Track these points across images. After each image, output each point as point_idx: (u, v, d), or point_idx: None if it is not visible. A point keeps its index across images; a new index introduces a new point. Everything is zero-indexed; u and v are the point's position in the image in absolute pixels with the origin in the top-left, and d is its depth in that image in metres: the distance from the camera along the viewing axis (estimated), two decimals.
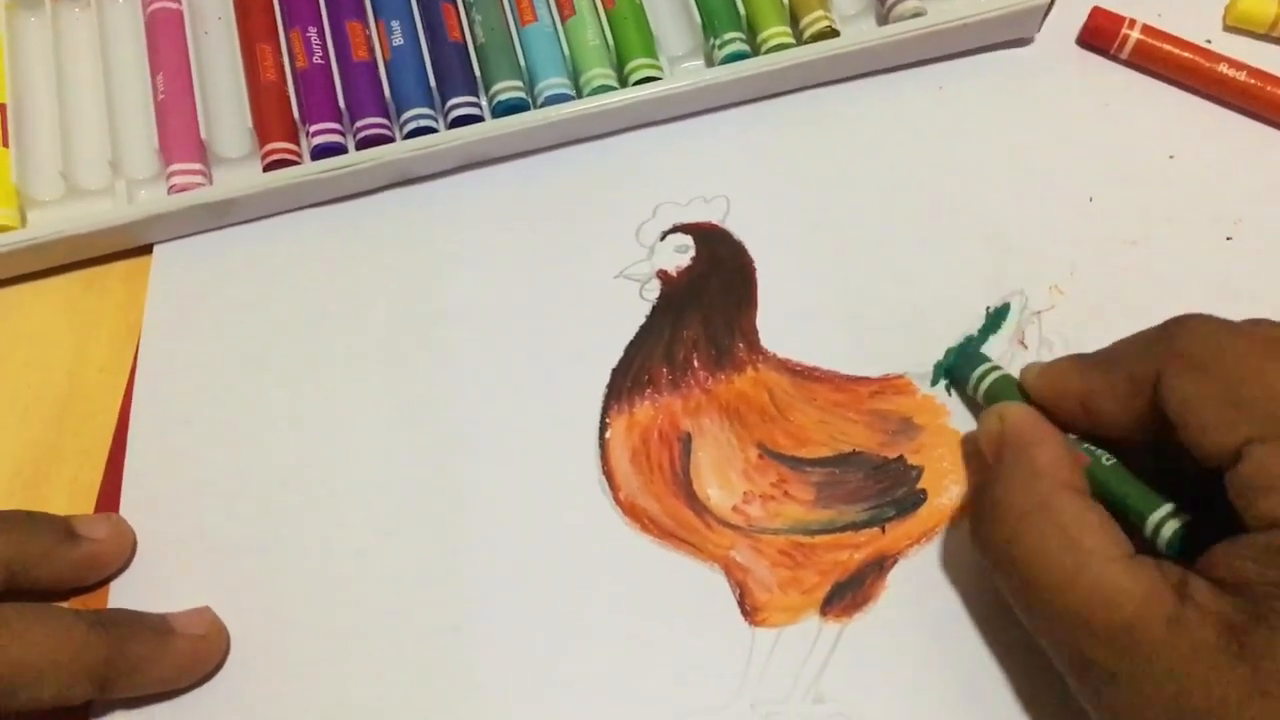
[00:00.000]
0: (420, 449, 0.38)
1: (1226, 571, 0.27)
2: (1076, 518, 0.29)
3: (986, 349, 0.38)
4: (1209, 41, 0.43)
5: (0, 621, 0.30)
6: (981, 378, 0.36)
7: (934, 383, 0.38)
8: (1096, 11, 0.43)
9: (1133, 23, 0.43)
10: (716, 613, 0.35)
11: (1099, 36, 0.43)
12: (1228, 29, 0.44)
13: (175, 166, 0.41)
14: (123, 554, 0.36)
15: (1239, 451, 0.28)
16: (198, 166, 0.41)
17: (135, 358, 0.40)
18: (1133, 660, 0.27)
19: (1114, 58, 0.43)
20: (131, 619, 0.33)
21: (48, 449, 0.38)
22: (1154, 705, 0.27)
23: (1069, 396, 0.33)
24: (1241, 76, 0.42)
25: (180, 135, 0.41)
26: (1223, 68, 0.42)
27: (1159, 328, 0.31)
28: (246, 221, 0.42)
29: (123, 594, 0.36)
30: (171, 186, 0.41)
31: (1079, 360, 0.34)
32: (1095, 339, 0.38)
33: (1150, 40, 0.43)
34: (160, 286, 0.41)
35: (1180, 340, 0.30)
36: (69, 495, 0.38)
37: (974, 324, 0.39)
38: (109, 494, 0.38)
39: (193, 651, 0.34)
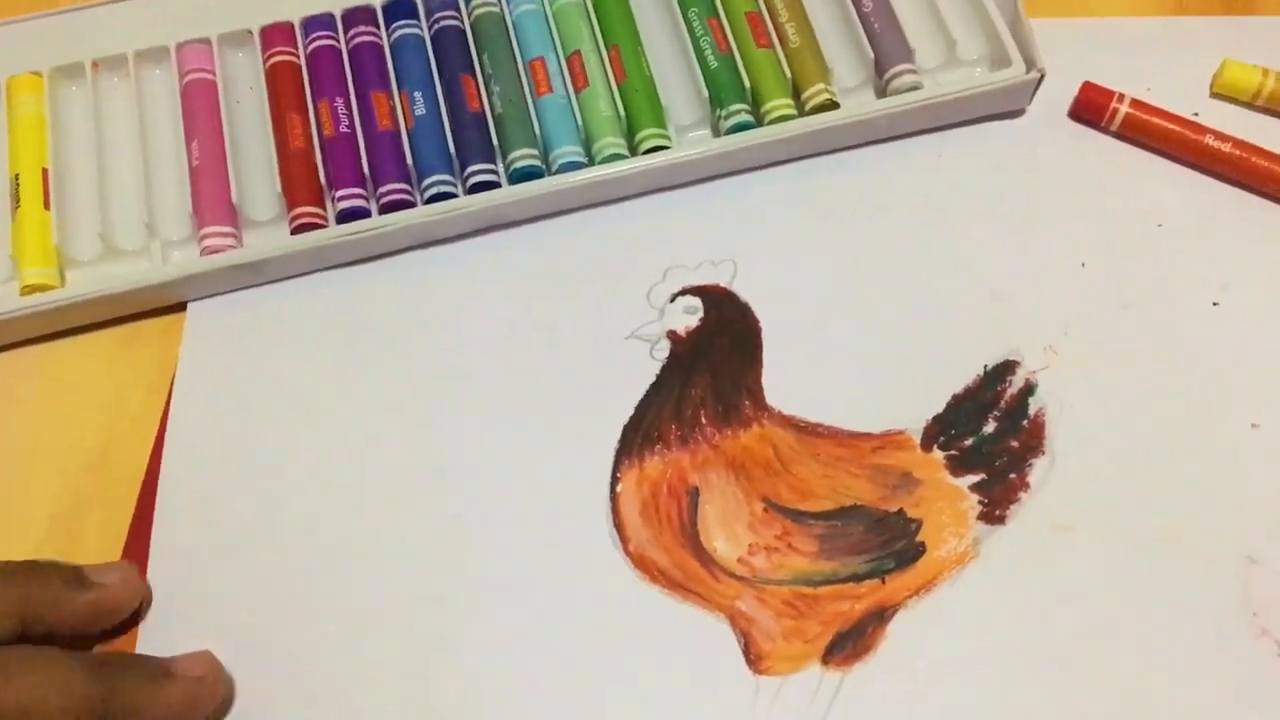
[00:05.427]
0: (439, 499, 0.39)
1: None
2: None
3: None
4: (1196, 114, 0.45)
5: None
6: None
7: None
8: (1087, 86, 0.45)
9: (1122, 97, 0.45)
10: (722, 661, 0.36)
11: (1089, 110, 0.45)
12: (1214, 96, 0.46)
13: (208, 229, 0.43)
14: (134, 599, 0.37)
15: None
16: (229, 229, 0.43)
17: (166, 409, 0.41)
18: None
19: (1104, 130, 0.45)
20: (129, 661, 0.34)
21: (82, 495, 0.40)
22: None
23: None
24: (1227, 148, 0.44)
25: (213, 199, 0.43)
26: (1209, 139, 0.44)
27: None
28: (275, 281, 0.43)
29: (151, 640, 0.37)
30: (204, 248, 0.43)
31: None
32: (1088, 399, 0.40)
33: (1139, 114, 0.44)
34: (193, 342, 0.42)
35: None
36: (100, 538, 0.39)
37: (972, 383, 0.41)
38: (136, 538, 0.39)
39: (190, 694, 0.34)
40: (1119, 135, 0.45)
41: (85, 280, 0.43)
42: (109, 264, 0.43)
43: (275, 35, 0.47)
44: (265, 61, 0.46)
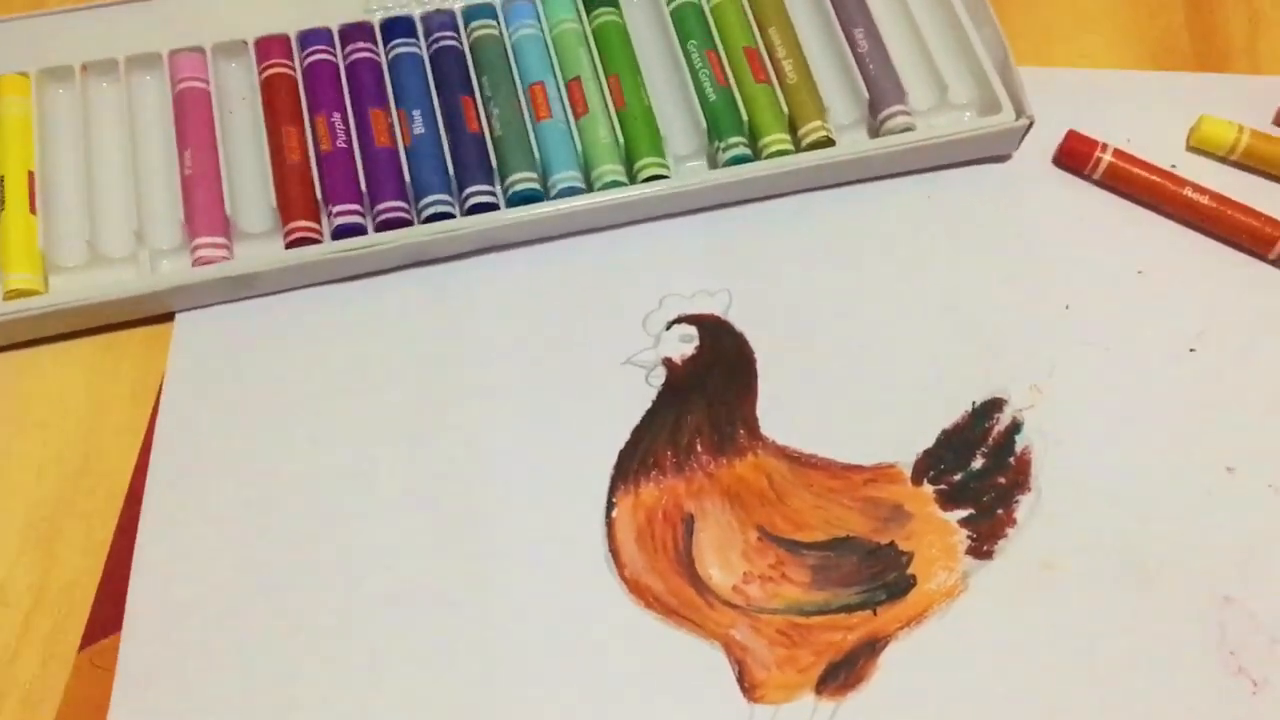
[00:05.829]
0: (430, 520, 0.39)
1: None
2: None
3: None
4: (1174, 165, 0.47)
5: None
6: None
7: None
8: (1071, 135, 0.47)
9: (1105, 146, 0.46)
10: (717, 689, 0.36)
11: (1074, 158, 0.47)
12: (1190, 150, 0.48)
13: (200, 240, 0.42)
14: None
15: None
16: (221, 240, 0.43)
17: (151, 421, 0.40)
18: None
19: (1087, 178, 0.47)
20: None
21: (63, 506, 0.39)
22: None
23: None
24: (1204, 200, 0.45)
25: (205, 209, 0.43)
26: (1187, 191, 0.45)
27: None
28: (267, 294, 0.43)
29: (132, 654, 0.36)
30: (196, 259, 0.42)
31: None
32: (1072, 435, 0.41)
33: (1121, 163, 0.46)
34: (181, 354, 0.42)
35: None
36: (82, 552, 0.38)
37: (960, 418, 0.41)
38: (119, 550, 0.38)
39: None
40: (1101, 183, 0.47)
41: (70, 287, 0.42)
42: (96, 271, 0.42)
43: (271, 47, 0.46)
44: (260, 73, 0.46)
